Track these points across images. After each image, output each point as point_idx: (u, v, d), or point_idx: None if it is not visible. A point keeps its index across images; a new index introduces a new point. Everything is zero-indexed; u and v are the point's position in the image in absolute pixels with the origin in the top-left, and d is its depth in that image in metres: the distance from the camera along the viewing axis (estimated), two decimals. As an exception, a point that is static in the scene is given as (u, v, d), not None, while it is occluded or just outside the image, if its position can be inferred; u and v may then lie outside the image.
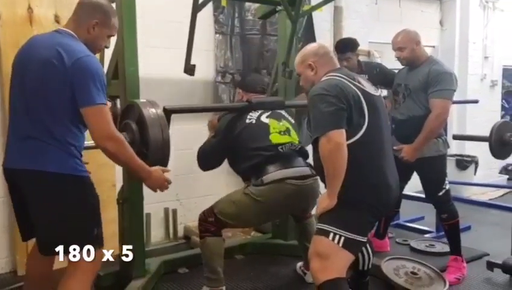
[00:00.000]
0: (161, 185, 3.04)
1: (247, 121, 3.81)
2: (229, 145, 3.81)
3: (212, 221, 3.69)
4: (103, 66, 3.97)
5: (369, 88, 3.06)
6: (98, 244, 2.82)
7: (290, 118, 4.07)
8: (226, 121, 3.89)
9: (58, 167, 2.66)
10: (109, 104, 3.84)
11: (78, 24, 2.84)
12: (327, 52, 3.21)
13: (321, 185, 3.27)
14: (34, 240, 2.96)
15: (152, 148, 3.02)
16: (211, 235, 3.70)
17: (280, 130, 3.82)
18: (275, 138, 3.76)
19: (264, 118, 3.85)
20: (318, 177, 3.50)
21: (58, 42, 2.70)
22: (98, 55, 3.93)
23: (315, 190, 3.75)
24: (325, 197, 2.95)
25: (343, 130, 2.82)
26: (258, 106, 3.91)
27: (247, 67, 5.70)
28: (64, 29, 2.84)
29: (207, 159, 3.95)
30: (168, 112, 3.45)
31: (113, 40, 3.79)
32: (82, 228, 2.74)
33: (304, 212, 4.04)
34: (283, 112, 4.06)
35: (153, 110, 3.11)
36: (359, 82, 3.01)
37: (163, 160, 3.15)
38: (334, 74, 3.01)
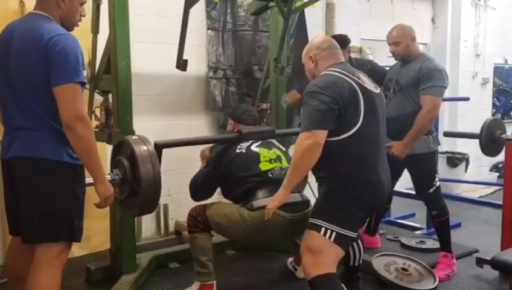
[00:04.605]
0: (110, 196, 2.83)
1: (237, 150, 3.78)
2: (220, 174, 3.77)
3: (202, 220, 3.71)
4: (95, 61, 3.97)
5: (369, 85, 3.07)
6: (76, 236, 2.79)
7: (280, 146, 4.04)
8: (216, 152, 3.86)
9: (55, 155, 2.65)
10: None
11: (47, 2, 2.75)
12: (331, 46, 3.21)
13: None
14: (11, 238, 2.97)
15: (144, 185, 2.95)
16: (199, 231, 3.72)
17: (270, 158, 3.79)
18: (265, 166, 3.73)
19: (254, 147, 3.82)
20: (309, 209, 3.52)
21: (32, 26, 2.65)
22: (90, 49, 3.94)
23: (304, 224, 3.37)
24: (280, 190, 3.07)
25: (326, 132, 2.85)
26: (248, 136, 3.88)
27: (239, 63, 5.71)
28: (35, 11, 2.76)
29: (199, 189, 3.90)
30: (159, 147, 3.42)
31: (105, 34, 3.81)
32: (67, 217, 2.73)
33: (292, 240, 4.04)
34: (274, 141, 4.04)
35: (144, 147, 3.04)
36: (359, 78, 3.02)
37: (154, 199, 3.06)
38: (334, 69, 3.02)
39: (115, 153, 3.21)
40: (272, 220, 3.25)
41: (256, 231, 3.51)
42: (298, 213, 3.53)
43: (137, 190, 2.97)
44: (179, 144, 3.90)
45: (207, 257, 3.72)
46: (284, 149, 4.03)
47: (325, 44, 3.20)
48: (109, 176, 3.01)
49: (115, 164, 3.15)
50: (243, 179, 3.66)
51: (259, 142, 3.88)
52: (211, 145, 4.05)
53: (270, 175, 3.69)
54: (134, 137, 3.11)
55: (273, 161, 3.78)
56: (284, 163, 3.82)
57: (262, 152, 3.80)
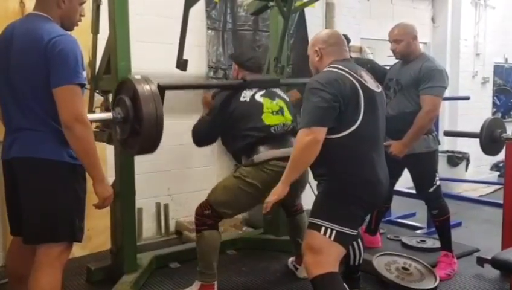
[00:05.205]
0: (109, 196, 2.83)
1: (241, 99, 3.79)
2: (223, 123, 3.79)
3: (209, 213, 3.69)
4: (96, 61, 3.97)
5: (371, 83, 3.06)
6: (77, 236, 2.79)
7: (284, 96, 4.04)
8: (220, 99, 3.85)
9: (56, 155, 2.65)
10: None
11: (47, 3, 2.74)
12: (337, 42, 3.20)
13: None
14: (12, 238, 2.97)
15: (146, 125, 2.94)
16: (208, 228, 3.70)
17: (273, 109, 3.80)
18: (267, 118, 3.74)
19: (258, 97, 3.83)
20: None
21: (32, 27, 2.65)
22: (90, 49, 3.94)
23: (305, 175, 3.69)
24: (279, 185, 3.03)
25: (326, 129, 2.85)
26: (253, 84, 3.89)
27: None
28: (35, 12, 2.75)
29: (202, 135, 3.92)
30: (162, 89, 3.43)
31: (105, 34, 3.81)
32: (68, 218, 2.73)
33: (292, 197, 3.97)
34: (278, 90, 4.04)
35: (147, 86, 3.03)
36: (361, 76, 3.02)
37: (156, 138, 3.06)
38: (337, 66, 3.01)
39: (116, 93, 3.19)
40: (271, 169, 3.43)
41: (257, 186, 3.53)
42: None
43: (138, 129, 2.96)
44: (182, 86, 3.93)
45: (213, 257, 3.72)
46: (287, 100, 4.02)
47: (332, 39, 3.19)
48: (111, 114, 3.00)
49: (116, 102, 3.14)
50: (244, 132, 3.70)
51: (263, 91, 3.89)
52: (212, 91, 4.06)
53: (273, 131, 3.73)
54: (137, 76, 3.10)
55: (275, 113, 3.80)
56: (287, 116, 3.85)
57: (266, 102, 3.81)
